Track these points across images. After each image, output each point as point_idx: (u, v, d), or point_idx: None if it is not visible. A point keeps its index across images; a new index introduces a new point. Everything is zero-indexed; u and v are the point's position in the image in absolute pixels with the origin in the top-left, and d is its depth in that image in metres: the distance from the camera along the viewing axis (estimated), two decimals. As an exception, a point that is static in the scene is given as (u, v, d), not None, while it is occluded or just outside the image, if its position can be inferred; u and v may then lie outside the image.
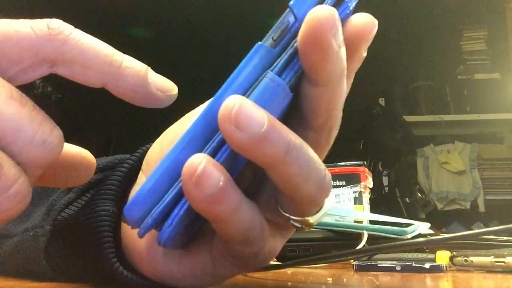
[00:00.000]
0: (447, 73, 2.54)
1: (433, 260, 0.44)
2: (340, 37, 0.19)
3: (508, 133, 2.42)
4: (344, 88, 0.21)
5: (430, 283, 0.35)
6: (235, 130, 0.18)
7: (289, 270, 0.44)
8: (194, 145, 0.21)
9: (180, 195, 0.20)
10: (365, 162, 0.83)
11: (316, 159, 0.21)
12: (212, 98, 0.21)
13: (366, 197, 0.78)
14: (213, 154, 0.20)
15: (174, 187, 0.21)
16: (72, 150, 0.25)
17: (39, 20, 0.21)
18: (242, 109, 0.18)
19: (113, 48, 0.23)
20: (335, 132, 0.23)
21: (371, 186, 0.80)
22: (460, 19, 2.52)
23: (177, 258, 0.24)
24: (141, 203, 0.21)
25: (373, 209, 0.79)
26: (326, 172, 0.21)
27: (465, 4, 2.46)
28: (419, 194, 2.19)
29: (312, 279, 0.38)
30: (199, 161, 0.19)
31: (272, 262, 0.52)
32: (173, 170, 0.21)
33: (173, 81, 0.24)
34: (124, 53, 0.23)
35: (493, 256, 0.40)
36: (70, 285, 0.29)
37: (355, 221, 0.66)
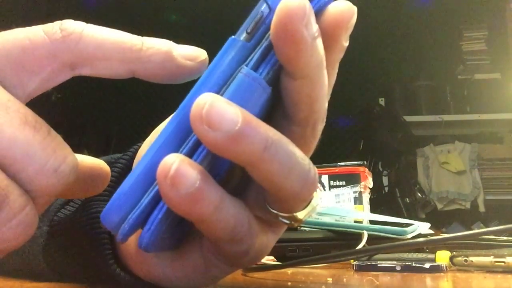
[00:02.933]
0: (447, 73, 2.54)
1: (433, 260, 0.44)
2: (314, 27, 0.19)
3: (508, 133, 2.42)
4: (325, 80, 0.21)
5: (430, 283, 0.35)
6: (208, 130, 0.18)
7: (289, 270, 0.44)
8: (169, 146, 0.20)
9: (158, 198, 0.20)
10: (365, 162, 0.83)
11: (298, 153, 0.20)
12: (186, 97, 0.20)
13: (366, 197, 0.78)
14: (190, 155, 0.19)
15: (151, 190, 0.20)
16: (89, 162, 0.25)
17: (50, 24, 0.21)
18: (214, 107, 0.18)
19: (130, 34, 0.22)
20: (320, 126, 0.22)
21: (371, 186, 0.80)
22: (460, 19, 2.52)
23: (168, 259, 0.24)
24: (117, 209, 0.20)
25: (373, 209, 0.79)
26: (310, 166, 0.21)
27: (465, 4, 2.46)
28: (419, 194, 2.19)
29: (312, 279, 0.38)
30: (172, 161, 0.18)
31: (272, 262, 0.52)
32: (148, 173, 0.20)
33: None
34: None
35: (493, 256, 0.40)
36: (70, 285, 0.29)
37: (355, 221, 0.66)
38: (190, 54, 0.22)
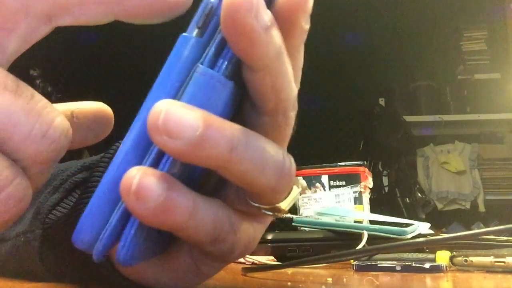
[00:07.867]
0: (447, 73, 2.54)
1: (433, 260, 0.44)
2: (265, 16, 0.17)
3: (508, 133, 2.42)
4: (287, 68, 0.19)
5: (430, 283, 0.35)
6: (168, 140, 0.17)
7: (289, 270, 0.44)
8: (131, 159, 0.19)
9: (128, 213, 0.19)
10: (365, 162, 0.83)
11: (269, 148, 0.19)
12: (142, 105, 0.19)
13: (366, 197, 0.78)
14: (155, 165, 0.18)
15: (119, 206, 0.19)
16: (92, 107, 0.24)
17: None
18: (170, 115, 0.17)
19: None
20: (292, 113, 0.21)
21: (371, 186, 0.80)
22: (460, 19, 2.52)
23: (159, 263, 0.24)
24: (87, 230, 0.19)
25: (373, 209, 0.79)
26: (285, 157, 0.20)
27: (465, 4, 2.46)
28: (419, 194, 2.19)
29: (312, 279, 0.38)
30: (134, 175, 0.17)
31: (272, 262, 0.52)
32: (113, 189, 0.18)
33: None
34: None
35: (493, 256, 0.40)
36: (68, 285, 0.29)
37: (355, 221, 0.66)
38: None
